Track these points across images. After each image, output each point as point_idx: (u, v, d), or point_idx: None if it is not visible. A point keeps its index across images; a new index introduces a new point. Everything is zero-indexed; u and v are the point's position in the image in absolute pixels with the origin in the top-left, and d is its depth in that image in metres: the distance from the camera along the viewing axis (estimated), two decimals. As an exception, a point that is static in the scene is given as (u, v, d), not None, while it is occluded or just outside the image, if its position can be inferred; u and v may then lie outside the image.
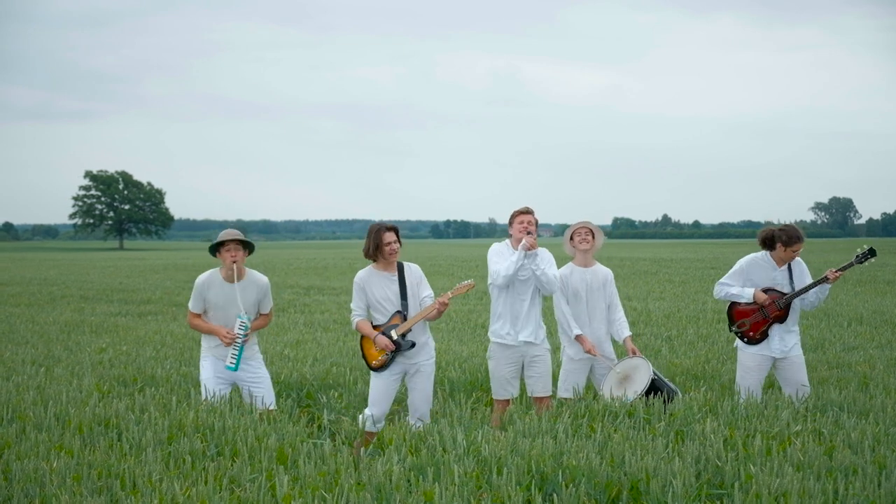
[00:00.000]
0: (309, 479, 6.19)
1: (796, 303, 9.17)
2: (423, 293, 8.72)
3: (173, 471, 6.45)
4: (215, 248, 8.80)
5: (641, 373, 8.92)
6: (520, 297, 8.84)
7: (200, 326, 8.87)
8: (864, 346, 14.22)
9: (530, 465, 6.39)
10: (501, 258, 8.83)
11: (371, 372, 8.75)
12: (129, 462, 6.54)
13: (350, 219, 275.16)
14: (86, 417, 7.73)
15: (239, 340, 8.74)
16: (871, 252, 9.21)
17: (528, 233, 8.75)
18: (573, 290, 9.25)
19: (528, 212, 8.89)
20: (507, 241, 8.99)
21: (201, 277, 8.88)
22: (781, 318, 9.12)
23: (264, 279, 9.00)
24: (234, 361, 8.76)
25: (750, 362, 9.22)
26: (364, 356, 8.76)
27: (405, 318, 8.57)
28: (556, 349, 10.19)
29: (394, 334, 8.51)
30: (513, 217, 8.92)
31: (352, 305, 8.74)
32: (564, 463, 6.38)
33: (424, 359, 8.71)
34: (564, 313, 9.21)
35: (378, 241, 8.53)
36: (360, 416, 8.69)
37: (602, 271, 9.41)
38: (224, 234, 8.78)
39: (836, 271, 9.01)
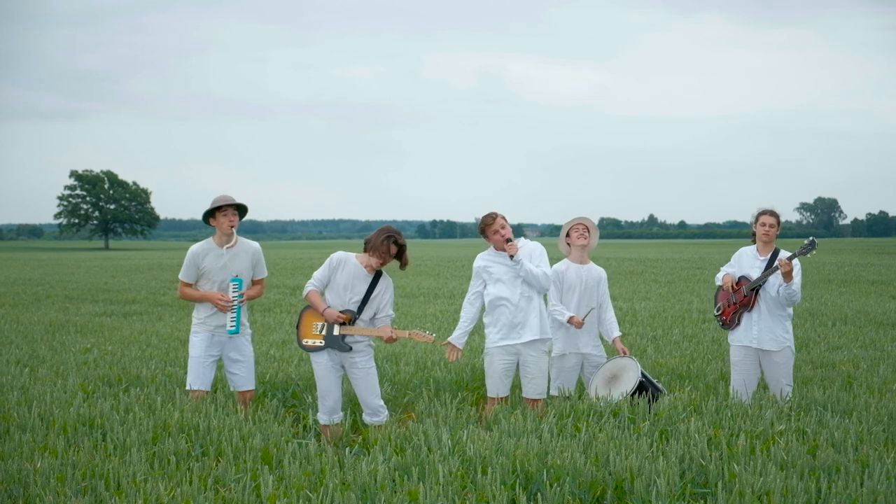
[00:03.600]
0: (294, 479, 6.19)
1: (769, 297, 9.25)
2: (384, 311, 8.66)
3: (158, 471, 6.45)
4: (209, 215, 8.81)
5: (630, 373, 8.95)
6: (514, 302, 8.83)
7: (192, 295, 8.83)
8: (848, 345, 14.27)
9: (515, 464, 6.41)
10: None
11: (312, 361, 8.70)
12: (114, 462, 6.54)
13: (336, 219, 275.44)
14: (70, 418, 7.71)
15: (236, 303, 8.76)
16: (812, 244, 9.38)
17: (508, 240, 8.73)
18: (568, 285, 9.32)
19: (494, 219, 8.79)
20: (491, 248, 8.95)
21: (196, 247, 8.86)
22: (747, 305, 9.25)
23: (256, 245, 9.01)
24: (234, 324, 8.77)
25: (735, 355, 9.37)
26: (298, 331, 8.66)
27: (354, 320, 8.53)
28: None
29: (336, 330, 8.49)
30: (484, 230, 8.85)
31: (314, 274, 8.64)
32: (549, 462, 6.40)
33: (362, 358, 8.66)
34: (555, 304, 9.30)
35: (385, 249, 8.43)
36: (319, 414, 8.71)
37: (596, 270, 9.51)
38: (219, 200, 8.80)
39: (785, 259, 9.13)
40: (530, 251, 8.88)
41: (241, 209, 8.88)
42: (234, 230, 8.80)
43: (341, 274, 8.55)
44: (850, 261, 45.75)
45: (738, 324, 9.31)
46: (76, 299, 25.82)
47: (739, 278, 9.37)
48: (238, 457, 6.80)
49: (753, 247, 9.47)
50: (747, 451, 6.70)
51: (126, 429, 7.35)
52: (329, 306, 8.51)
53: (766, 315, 9.25)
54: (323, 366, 8.62)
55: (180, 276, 8.90)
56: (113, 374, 11.13)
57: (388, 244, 8.44)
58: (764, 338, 9.22)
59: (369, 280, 8.57)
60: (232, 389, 8.94)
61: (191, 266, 8.82)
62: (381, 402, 8.75)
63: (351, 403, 9.63)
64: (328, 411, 8.67)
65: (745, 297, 9.25)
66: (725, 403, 8.23)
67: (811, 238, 9.44)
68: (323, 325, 8.55)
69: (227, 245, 8.82)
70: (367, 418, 8.71)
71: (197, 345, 8.85)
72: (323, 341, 8.54)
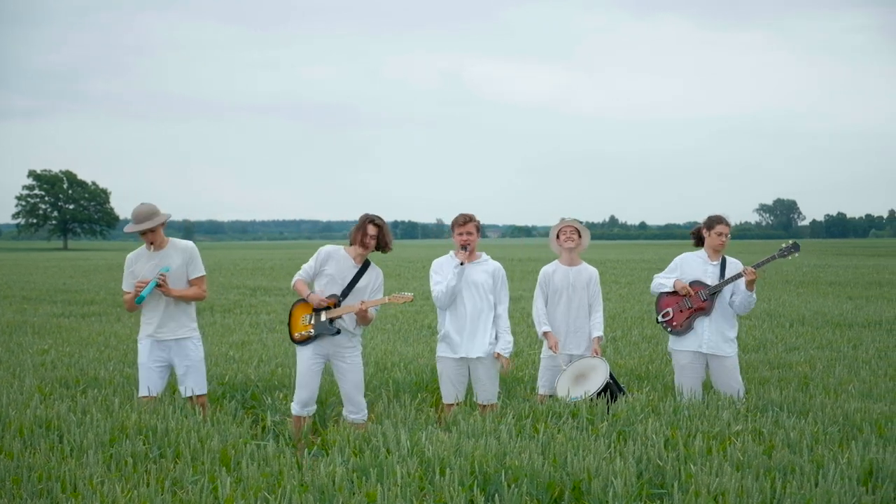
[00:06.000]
0: (251, 480, 6.18)
1: (724, 302, 9.28)
2: (374, 297, 8.77)
3: (115, 473, 6.42)
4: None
5: (598, 374, 8.96)
6: (466, 313, 8.85)
7: (130, 301, 8.77)
8: (805, 346, 14.39)
9: (473, 465, 6.42)
10: (441, 277, 8.89)
11: (296, 352, 8.78)
12: (71, 464, 6.49)
13: (297, 219, 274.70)
14: (26, 419, 7.65)
15: (151, 280, 8.59)
16: (795, 247, 9.39)
17: (464, 247, 8.79)
18: (554, 288, 9.32)
19: (466, 221, 8.88)
20: (452, 252, 8.99)
21: (130, 255, 8.85)
22: (705, 310, 9.23)
23: (189, 243, 8.93)
24: (141, 295, 8.55)
25: (682, 360, 9.32)
26: (289, 327, 8.82)
27: (338, 305, 8.60)
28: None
29: (323, 316, 8.59)
30: (453, 226, 8.95)
31: (303, 266, 8.81)
32: (507, 463, 6.42)
33: (350, 353, 8.75)
34: (538, 310, 9.32)
35: (363, 231, 8.65)
36: (292, 403, 8.81)
37: (587, 270, 9.48)
38: (134, 225, 8.67)
39: (751, 268, 9.14)
40: (493, 272, 8.94)
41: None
42: (153, 245, 8.75)
43: (330, 266, 8.70)
44: (808, 262, 46.17)
45: (691, 329, 9.29)
46: (34, 300, 25.62)
47: (691, 283, 9.33)
48: (196, 458, 6.77)
49: (699, 252, 9.46)
50: (704, 452, 6.75)
51: (83, 430, 7.30)
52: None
53: (719, 320, 9.27)
54: (307, 356, 8.69)
55: (123, 288, 8.86)
56: (70, 376, 11.06)
57: (363, 223, 8.67)
58: (715, 343, 9.23)
59: (356, 270, 8.70)
60: (184, 396, 8.80)
61: (128, 274, 8.81)
62: (364, 400, 8.79)
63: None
64: (302, 403, 8.73)
65: (703, 301, 9.25)
66: (683, 404, 8.28)
67: (793, 241, 9.46)
68: (311, 316, 8.67)
69: (158, 248, 8.78)
70: (347, 415, 8.79)
71: (141, 352, 8.83)
72: (312, 330, 8.62)
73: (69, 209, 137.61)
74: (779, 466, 6.48)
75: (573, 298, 9.32)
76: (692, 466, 6.35)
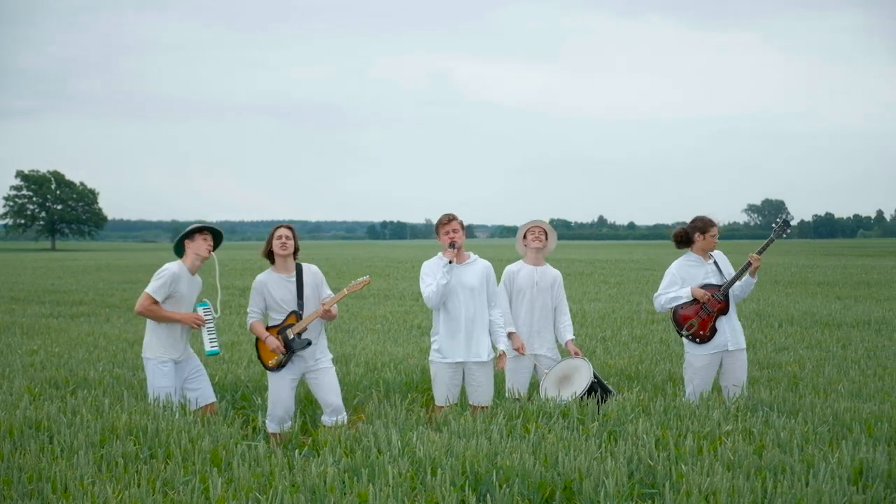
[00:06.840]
0: (243, 481, 6.17)
1: (733, 294, 9.27)
2: (324, 293, 8.80)
3: (105, 474, 6.40)
4: (184, 238, 8.76)
5: (582, 374, 8.94)
6: (464, 316, 8.83)
7: (160, 314, 8.54)
8: (794, 346, 14.42)
9: (465, 465, 6.42)
10: (432, 279, 8.84)
11: (268, 372, 8.82)
12: (61, 465, 6.46)
13: (286, 219, 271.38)
14: (16, 420, 7.61)
15: (210, 324, 8.76)
16: (786, 223, 9.36)
17: (452, 244, 8.78)
18: (518, 288, 9.29)
19: (450, 220, 8.88)
20: (440, 253, 8.97)
21: (173, 268, 8.62)
22: (724, 309, 9.22)
23: (199, 278, 8.98)
24: (215, 344, 8.80)
25: (699, 362, 9.23)
26: (259, 357, 8.81)
27: (300, 318, 8.63)
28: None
29: (290, 334, 8.60)
30: (437, 227, 8.94)
31: (248, 308, 8.82)
32: (498, 463, 6.41)
33: (322, 360, 8.77)
34: (502, 312, 9.23)
35: (274, 238, 8.67)
36: (266, 421, 8.78)
37: (551, 272, 9.48)
38: (197, 225, 8.79)
39: (755, 253, 9.18)
40: (484, 274, 8.93)
41: (216, 236, 8.86)
42: (202, 262, 8.79)
43: (270, 291, 8.71)
44: (797, 262, 46.28)
45: (716, 332, 9.22)
46: (22, 300, 25.56)
47: (704, 287, 9.23)
48: (187, 459, 6.76)
49: (689, 256, 9.38)
50: (694, 452, 6.75)
51: (73, 431, 7.28)
52: (268, 326, 8.75)
53: (732, 315, 9.29)
54: (279, 376, 8.68)
55: (151, 292, 8.56)
56: (60, 377, 11.03)
57: (271, 234, 8.73)
58: (736, 337, 9.25)
59: (293, 279, 8.69)
60: (195, 408, 8.68)
61: (167, 287, 8.57)
62: (341, 401, 8.79)
63: (301, 406, 9.62)
64: (278, 420, 8.68)
65: (720, 302, 9.19)
66: (673, 404, 8.29)
67: (783, 217, 9.42)
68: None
69: (194, 272, 8.80)
70: (326, 419, 8.74)
71: (168, 374, 8.61)
72: (285, 353, 8.62)
73: (57, 210, 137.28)
74: (769, 466, 6.48)
75: (537, 298, 9.31)
76: (683, 466, 6.35)
